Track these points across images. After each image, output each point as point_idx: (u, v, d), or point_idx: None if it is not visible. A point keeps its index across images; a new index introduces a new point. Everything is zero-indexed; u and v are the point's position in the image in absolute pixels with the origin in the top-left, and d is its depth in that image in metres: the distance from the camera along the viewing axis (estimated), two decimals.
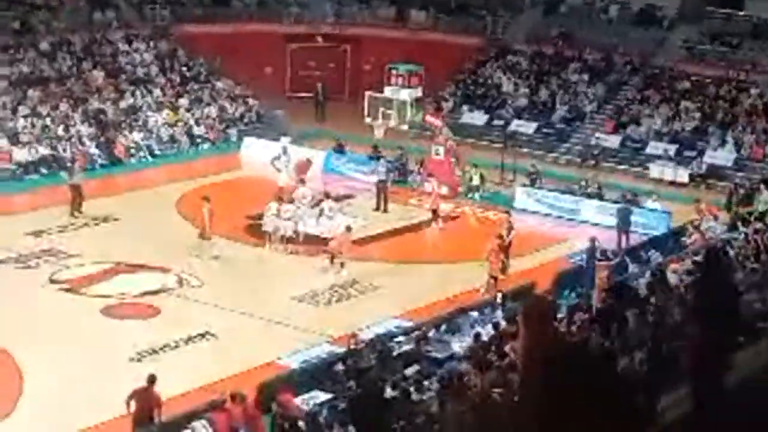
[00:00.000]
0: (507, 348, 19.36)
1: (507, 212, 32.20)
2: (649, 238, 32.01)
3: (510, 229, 30.29)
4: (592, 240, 29.26)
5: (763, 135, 42.28)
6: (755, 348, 10.69)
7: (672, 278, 23.18)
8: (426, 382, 19.17)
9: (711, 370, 7.48)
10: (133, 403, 19.50)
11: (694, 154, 42.16)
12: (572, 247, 32.16)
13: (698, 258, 23.27)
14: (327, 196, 33.21)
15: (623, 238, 32.54)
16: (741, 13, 48.23)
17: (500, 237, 29.48)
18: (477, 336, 21.43)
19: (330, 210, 32.26)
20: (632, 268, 28.24)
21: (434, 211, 34.51)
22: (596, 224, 34.65)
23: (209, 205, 30.52)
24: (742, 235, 27.32)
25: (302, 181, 34.42)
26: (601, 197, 36.78)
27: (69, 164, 36.47)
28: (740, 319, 8.41)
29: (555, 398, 6.91)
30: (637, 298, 21.38)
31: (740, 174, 40.16)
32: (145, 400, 19.56)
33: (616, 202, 35.49)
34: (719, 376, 7.50)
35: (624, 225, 32.83)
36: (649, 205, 35.38)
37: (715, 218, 31.54)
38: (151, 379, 19.76)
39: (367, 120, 39.34)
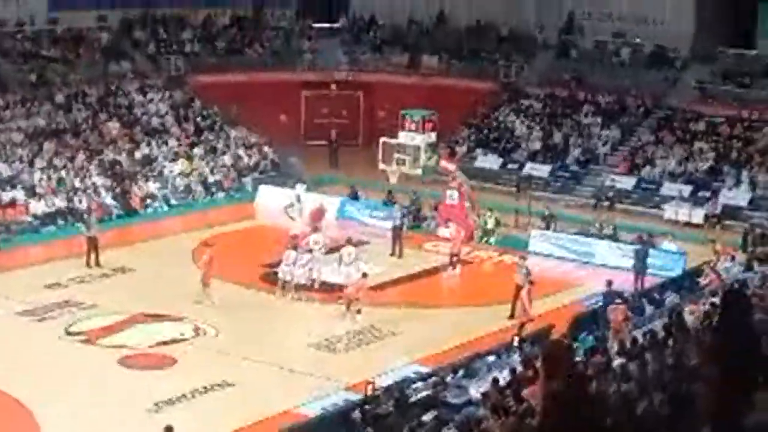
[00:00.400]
0: (524, 393, 19.28)
1: (523, 257, 32.02)
2: (665, 279, 31.91)
3: (528, 274, 30.16)
4: (609, 282, 29.18)
5: None
6: None
7: (689, 320, 23.10)
8: (444, 429, 19.04)
9: (731, 411, 7.43)
10: None
11: (708, 194, 42.08)
12: (588, 290, 32.07)
13: (715, 299, 23.19)
14: (349, 241, 33.19)
15: (640, 280, 32.45)
16: (753, 52, 48.30)
17: (531, 282, 29.36)
18: (495, 381, 21.31)
19: (349, 256, 32.24)
20: (649, 310, 28.14)
21: (455, 255, 34.46)
22: (611, 266, 34.57)
23: (210, 251, 30.91)
24: (759, 275, 27.26)
25: (316, 229, 34.44)
26: (616, 239, 36.72)
27: (85, 216, 36.56)
28: (759, 359, 8.36)
29: None
30: (654, 340, 21.29)
31: (756, 214, 40.06)
32: None
33: (631, 243, 35.41)
34: (739, 416, 7.45)
35: (641, 266, 32.74)
36: (664, 246, 35.29)
37: (732, 259, 31.44)
38: (168, 430, 19.70)
39: (381, 166, 39.41)
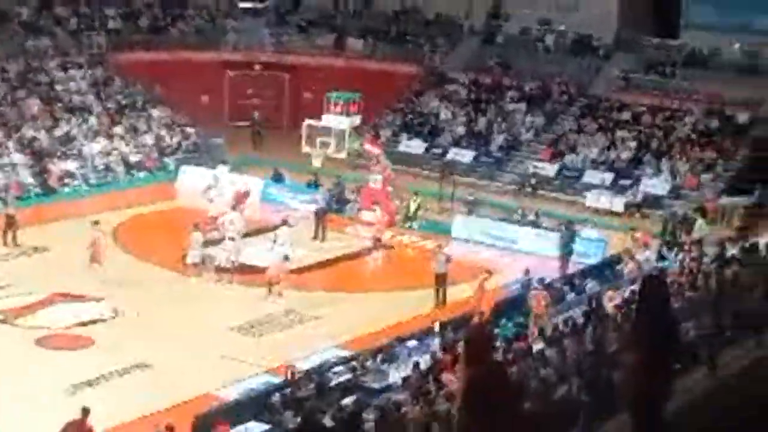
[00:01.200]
0: (443, 378, 19.33)
1: (439, 245, 31.99)
2: (585, 266, 32.17)
3: (448, 260, 30.27)
4: (527, 271, 29.38)
5: (697, 164, 42.70)
6: (693, 375, 10.73)
7: (608, 307, 23.32)
8: (364, 413, 19.02)
9: (649, 398, 7.44)
10: None
11: (629, 183, 42.47)
12: (509, 277, 32.19)
13: (635, 287, 23.41)
14: (284, 222, 33.11)
15: (565, 264, 32.73)
16: (676, 42, 48.81)
17: (488, 272, 29.22)
18: (416, 365, 21.35)
19: (284, 236, 32.21)
20: (569, 297, 28.37)
21: (378, 240, 34.42)
22: (533, 252, 34.79)
23: (99, 228, 31.12)
24: (677, 263, 27.61)
25: (235, 209, 34.18)
26: (538, 225, 36.93)
27: (3, 193, 35.93)
28: (677, 346, 8.40)
29: (492, 428, 6.84)
30: (574, 327, 21.46)
31: (676, 202, 40.51)
32: None
33: (553, 230, 35.64)
34: (658, 403, 7.47)
35: (566, 251, 33.01)
36: (584, 233, 35.56)
37: (646, 246, 31.86)
38: (85, 412, 19.41)
39: (305, 148, 39.25)
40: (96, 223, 31.37)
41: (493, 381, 6.83)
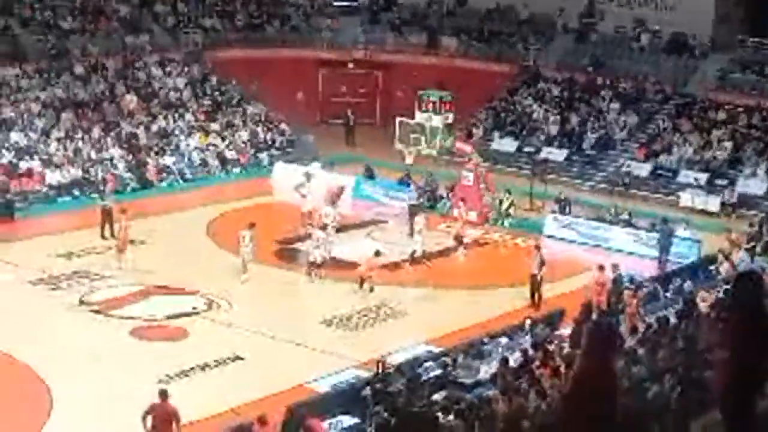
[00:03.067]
0: (536, 375, 19.31)
1: (537, 247, 31.54)
2: (679, 266, 31.88)
3: (542, 263, 29.99)
4: (615, 267, 29.07)
5: None
6: None
7: (702, 307, 23.10)
8: (454, 408, 19.07)
9: (743, 395, 7.41)
10: (149, 420, 19.29)
11: (725, 183, 41.96)
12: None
13: (728, 287, 23.16)
14: (415, 213, 34.04)
15: (664, 258, 32.49)
16: None
17: (601, 267, 28.93)
18: (504, 361, 21.35)
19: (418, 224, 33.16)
20: (662, 296, 28.12)
21: (459, 238, 34.36)
22: (625, 252, 34.59)
23: (125, 218, 31.43)
24: None
25: (329, 205, 34.53)
26: (631, 225, 36.65)
27: (101, 187, 36.64)
28: None
29: (595, 422, 6.87)
30: (667, 326, 21.31)
31: None
32: (162, 415, 19.39)
33: (646, 230, 35.38)
34: (751, 400, 7.43)
35: (666, 244, 32.73)
36: (679, 233, 35.22)
37: (742, 247, 31.42)
38: (164, 394, 19.63)
39: (398, 146, 39.39)
40: (123, 211, 31.79)
41: (606, 377, 6.85)
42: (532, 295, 29.68)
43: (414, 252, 33.06)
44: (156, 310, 28.09)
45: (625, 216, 37.35)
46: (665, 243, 33.14)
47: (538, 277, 29.60)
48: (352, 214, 37.64)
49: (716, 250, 31.40)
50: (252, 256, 30.40)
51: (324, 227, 32.48)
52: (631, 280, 28.16)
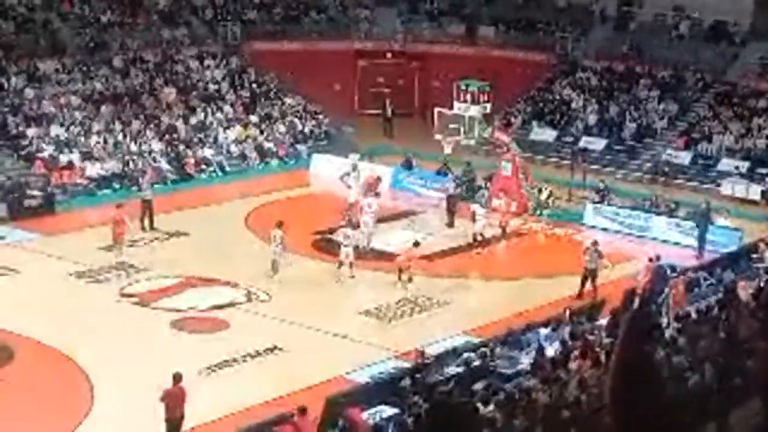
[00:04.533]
0: (574, 365, 19.27)
1: (595, 242, 30.62)
2: (720, 255, 31.66)
3: (600, 256, 29.79)
4: (657, 257, 28.88)
5: None
6: None
7: (743, 296, 22.92)
8: (494, 398, 19.05)
9: None
10: (167, 403, 20.16)
11: (766, 171, 41.61)
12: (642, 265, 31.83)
13: None
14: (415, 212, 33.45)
15: (702, 252, 32.33)
16: None
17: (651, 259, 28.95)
18: (541, 351, 21.31)
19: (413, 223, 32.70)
20: (704, 285, 27.94)
21: (503, 229, 34.33)
22: (667, 241, 34.43)
23: (120, 211, 31.45)
24: None
25: (375, 195, 34.58)
26: (672, 214, 36.44)
27: (140, 179, 36.82)
28: None
29: (628, 414, 6.84)
30: (709, 315, 21.18)
31: None
32: (178, 397, 20.23)
33: (686, 219, 35.17)
34: None
35: (702, 227, 32.56)
36: (720, 222, 34.99)
37: None
38: (177, 377, 20.33)
39: (436, 136, 39.33)
40: (119, 206, 31.89)
41: (645, 366, 6.81)
42: (582, 285, 29.40)
43: (479, 234, 33.35)
44: (196, 301, 28.23)
45: (667, 205, 37.12)
46: (702, 226, 32.88)
47: (597, 271, 29.36)
48: (391, 205, 37.64)
49: (757, 239, 31.17)
50: (282, 256, 30.18)
51: (357, 224, 32.42)
52: (674, 268, 27.95)
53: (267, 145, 44.17)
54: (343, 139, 45.66)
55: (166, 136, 42.13)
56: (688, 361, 15.83)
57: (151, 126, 42.28)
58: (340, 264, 30.44)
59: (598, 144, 45.59)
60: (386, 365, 24.33)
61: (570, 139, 46.25)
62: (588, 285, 29.30)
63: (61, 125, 40.56)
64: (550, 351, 21.79)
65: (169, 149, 41.48)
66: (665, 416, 7.44)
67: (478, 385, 20.46)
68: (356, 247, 31.12)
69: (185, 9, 50.07)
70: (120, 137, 40.92)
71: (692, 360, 15.88)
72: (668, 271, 27.63)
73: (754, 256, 30.03)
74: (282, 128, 45.57)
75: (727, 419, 8.29)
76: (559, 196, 38.80)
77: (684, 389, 13.92)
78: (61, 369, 24.03)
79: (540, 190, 38.17)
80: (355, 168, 37.54)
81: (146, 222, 33.89)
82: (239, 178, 41.42)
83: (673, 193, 39.89)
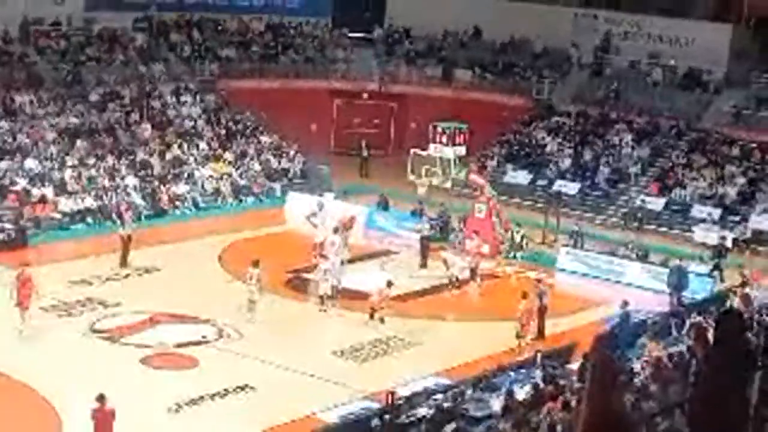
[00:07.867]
0: (545, 408, 19.22)
1: (539, 280, 31.63)
2: (691, 302, 31.74)
3: (543, 294, 29.98)
4: (625, 303, 28.96)
5: None
6: None
7: (711, 339, 22.90)
8: None
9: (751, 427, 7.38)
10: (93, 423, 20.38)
11: (738, 218, 41.86)
12: (614, 310, 31.88)
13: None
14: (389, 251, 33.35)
15: (676, 297, 32.29)
16: None
17: (539, 297, 29.38)
18: (510, 393, 21.28)
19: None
20: (674, 331, 27.97)
21: (473, 270, 34.32)
22: (640, 287, 34.50)
23: (26, 270, 27.99)
24: None
25: (337, 233, 34.16)
26: (645, 260, 36.55)
27: (118, 215, 36.56)
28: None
29: None
30: (680, 360, 21.19)
31: None
32: (105, 418, 20.40)
33: (660, 264, 35.26)
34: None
35: (679, 285, 32.52)
36: (693, 268, 35.09)
37: (757, 283, 31.29)
38: (101, 398, 20.53)
39: (411, 177, 39.40)
40: (26, 265, 28.97)
41: (612, 411, 6.79)
42: (539, 327, 29.63)
43: (454, 277, 33.55)
44: (167, 338, 28.02)
45: (640, 251, 37.23)
46: (678, 283, 32.86)
47: (542, 307, 29.55)
48: (364, 245, 37.62)
49: (729, 287, 31.32)
50: (258, 295, 30.01)
51: (325, 257, 32.32)
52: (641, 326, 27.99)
53: (242, 182, 44.15)
54: (318, 178, 45.67)
55: (141, 172, 42.03)
56: (659, 407, 15.81)
57: (126, 161, 42.17)
58: (322, 299, 30.61)
59: (572, 188, 45.77)
60: (357, 405, 24.20)
61: (544, 182, 46.42)
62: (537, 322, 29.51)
63: (36, 158, 40.42)
64: (521, 394, 21.74)
65: (143, 184, 41.37)
66: None
67: (449, 428, 20.40)
68: (333, 286, 31.21)
69: (162, 45, 50.15)
70: (94, 172, 40.78)
71: (663, 406, 15.86)
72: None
73: (726, 303, 30.09)
74: (257, 166, 45.56)
75: None
76: (533, 240, 38.87)
77: None
78: (28, 404, 23.77)
79: (515, 233, 38.21)
80: (321, 208, 37.40)
81: (120, 257, 33.71)
82: (213, 215, 41.37)
83: (647, 238, 40.01)
